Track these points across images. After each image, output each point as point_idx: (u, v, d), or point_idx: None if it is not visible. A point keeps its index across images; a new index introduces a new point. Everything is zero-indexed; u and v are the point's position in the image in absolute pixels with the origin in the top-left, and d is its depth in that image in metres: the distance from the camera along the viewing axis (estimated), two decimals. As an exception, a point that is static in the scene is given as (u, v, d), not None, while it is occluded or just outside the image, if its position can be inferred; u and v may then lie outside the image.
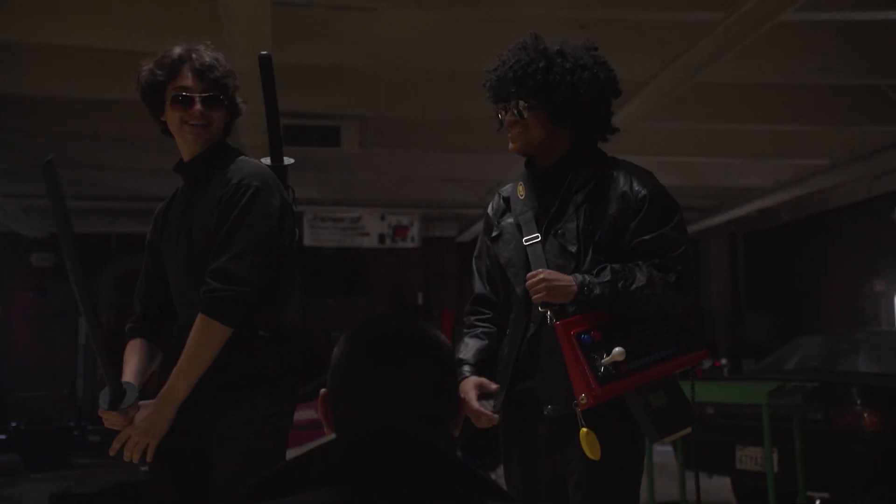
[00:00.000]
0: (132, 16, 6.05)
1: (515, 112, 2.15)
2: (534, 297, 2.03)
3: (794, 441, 4.52)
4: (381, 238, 12.29)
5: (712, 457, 5.24)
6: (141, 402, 2.07)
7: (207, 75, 2.10)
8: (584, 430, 1.97)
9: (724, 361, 11.51)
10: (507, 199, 2.30)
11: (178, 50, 2.13)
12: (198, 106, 2.09)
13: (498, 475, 6.63)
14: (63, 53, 6.61)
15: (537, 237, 2.15)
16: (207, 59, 2.12)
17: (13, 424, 10.11)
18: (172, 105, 2.11)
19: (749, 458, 5.06)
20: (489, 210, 2.35)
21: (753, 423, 4.81)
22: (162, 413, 2.02)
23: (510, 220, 2.24)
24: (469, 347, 2.20)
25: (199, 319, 1.99)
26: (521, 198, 2.23)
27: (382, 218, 12.26)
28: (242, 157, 2.16)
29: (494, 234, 2.28)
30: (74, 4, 6.01)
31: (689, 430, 2.05)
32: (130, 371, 2.16)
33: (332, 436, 1.16)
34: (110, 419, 2.07)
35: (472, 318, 2.28)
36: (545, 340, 2.08)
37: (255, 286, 2.00)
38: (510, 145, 2.23)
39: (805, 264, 12.24)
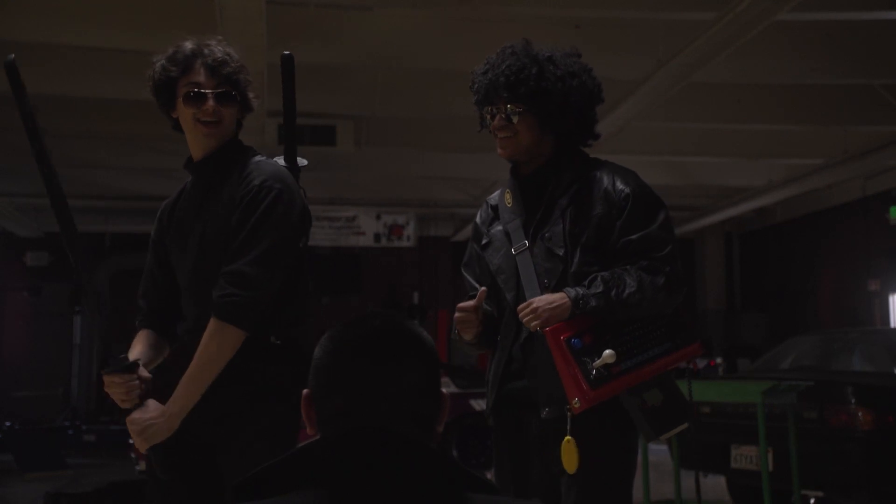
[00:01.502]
0: (126, 15, 6.04)
1: (504, 116, 2.16)
2: (530, 327, 2.03)
3: (789, 440, 4.53)
4: (377, 237, 12.29)
5: (707, 456, 5.25)
6: (150, 401, 1.98)
7: (220, 71, 2.05)
8: (567, 439, 1.98)
9: (719, 361, 11.53)
10: (494, 208, 2.31)
11: (189, 45, 2.08)
12: (210, 103, 2.04)
13: (493, 474, 6.62)
14: (56, 52, 6.59)
15: (525, 245, 2.16)
16: (220, 55, 2.07)
17: (7, 424, 10.08)
18: (185, 102, 2.06)
19: (744, 456, 5.07)
20: (477, 219, 2.36)
21: (748, 422, 4.81)
22: (169, 420, 1.94)
23: (499, 227, 2.25)
24: None
25: (213, 323, 1.93)
26: (509, 206, 2.24)
27: (378, 217, 12.26)
28: (258, 156, 2.11)
29: (484, 241, 2.29)
30: (69, 4, 5.99)
31: (685, 426, 2.05)
32: (137, 355, 2.08)
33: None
34: (111, 383, 1.97)
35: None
36: (537, 344, 2.09)
37: (271, 291, 1.96)
38: (499, 150, 2.23)
39: (799, 264, 12.27)
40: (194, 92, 2.04)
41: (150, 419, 1.95)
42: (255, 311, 1.94)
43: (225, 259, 1.98)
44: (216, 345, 1.93)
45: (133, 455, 7.45)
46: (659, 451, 6.44)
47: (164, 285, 2.18)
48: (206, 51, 2.06)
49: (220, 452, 1.99)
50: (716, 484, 6.01)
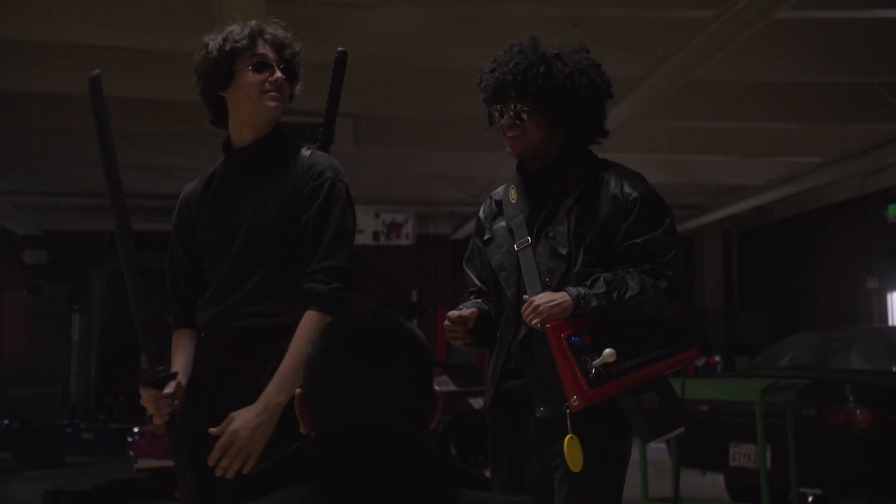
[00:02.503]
0: (126, 14, 6.04)
1: (513, 115, 2.15)
2: (530, 324, 2.03)
3: (787, 438, 4.53)
4: (376, 235, 12.29)
5: (706, 454, 5.26)
6: (240, 411, 1.86)
7: (283, 51, 2.04)
8: (570, 436, 1.98)
9: (717, 359, 11.55)
10: (498, 203, 2.30)
11: (250, 25, 2.06)
12: (279, 73, 2.01)
13: (490, 472, 6.62)
14: (54, 50, 6.59)
15: (528, 241, 2.15)
16: (282, 35, 2.06)
17: (6, 422, 10.09)
18: (255, 69, 2.00)
19: (742, 454, 5.07)
20: (480, 213, 2.35)
21: (747, 420, 4.82)
22: (271, 415, 1.83)
23: (502, 223, 2.25)
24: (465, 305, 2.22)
25: (316, 317, 1.88)
26: (513, 201, 2.24)
27: (377, 216, 12.26)
28: (303, 146, 2.08)
29: (486, 237, 2.28)
30: (68, 3, 5.99)
31: (681, 430, 2.06)
32: (180, 365, 2.01)
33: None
34: (148, 396, 1.92)
35: (471, 298, 2.30)
36: (536, 343, 2.09)
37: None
38: (508, 149, 2.22)
39: (798, 262, 12.28)
40: (264, 61, 2.01)
41: (253, 421, 1.83)
42: (351, 305, 1.95)
43: (307, 252, 1.95)
44: (314, 327, 1.89)
45: (132, 453, 7.46)
46: (657, 449, 6.44)
47: (196, 278, 2.10)
48: (269, 29, 2.06)
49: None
50: (714, 482, 6.01)
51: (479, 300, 2.25)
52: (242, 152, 2.06)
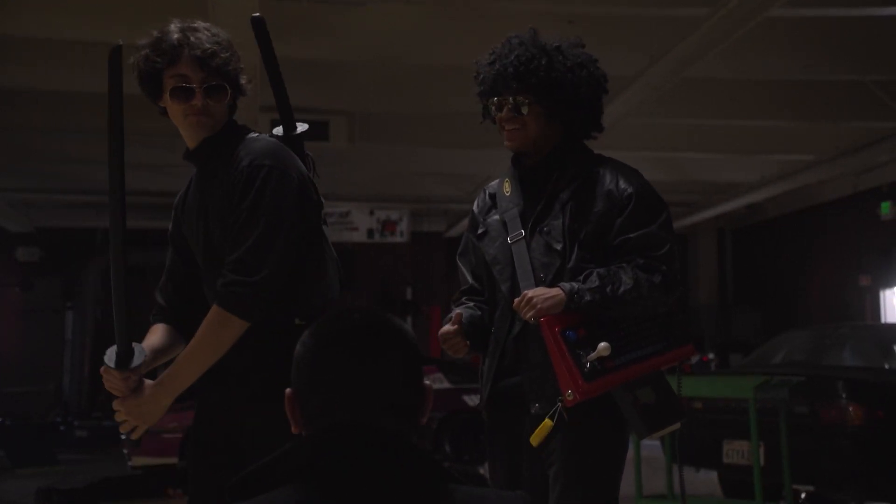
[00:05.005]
0: (117, 8, 6.01)
1: (512, 107, 2.13)
2: (524, 317, 2.02)
3: (781, 435, 4.55)
4: (370, 233, 12.28)
5: (699, 451, 5.27)
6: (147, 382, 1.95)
7: (209, 63, 1.94)
8: (547, 421, 1.98)
9: (711, 356, 11.57)
10: (492, 196, 2.28)
11: (175, 33, 1.96)
12: (198, 98, 1.95)
13: (486, 470, 6.64)
14: (47, 47, 6.56)
15: (521, 234, 2.14)
16: (208, 44, 1.95)
17: (-1, 420, 10.05)
18: (172, 96, 1.96)
19: (736, 451, 5.09)
20: (474, 207, 2.33)
21: (740, 417, 4.83)
22: (157, 400, 1.92)
23: (496, 216, 2.23)
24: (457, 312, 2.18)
25: (215, 312, 1.88)
26: (507, 194, 2.22)
27: (371, 213, 12.25)
28: (252, 134, 2.03)
29: (480, 231, 2.26)
30: (60, -2, 5.96)
31: (677, 425, 2.06)
32: (147, 349, 2.03)
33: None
34: (110, 379, 1.95)
35: (462, 298, 2.27)
36: (531, 338, 2.08)
37: (277, 276, 1.89)
38: (506, 143, 2.20)
39: (791, 259, 12.32)
40: (182, 86, 1.94)
41: (143, 403, 1.93)
42: (260, 300, 1.88)
43: (226, 247, 1.93)
44: (216, 333, 1.88)
45: (125, 451, 7.44)
46: (651, 446, 6.45)
47: (184, 280, 2.11)
48: (192, 39, 1.95)
49: (247, 444, 1.93)
50: (707, 479, 6.03)
51: (471, 304, 2.22)
52: (193, 155, 2.06)
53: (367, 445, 1.08)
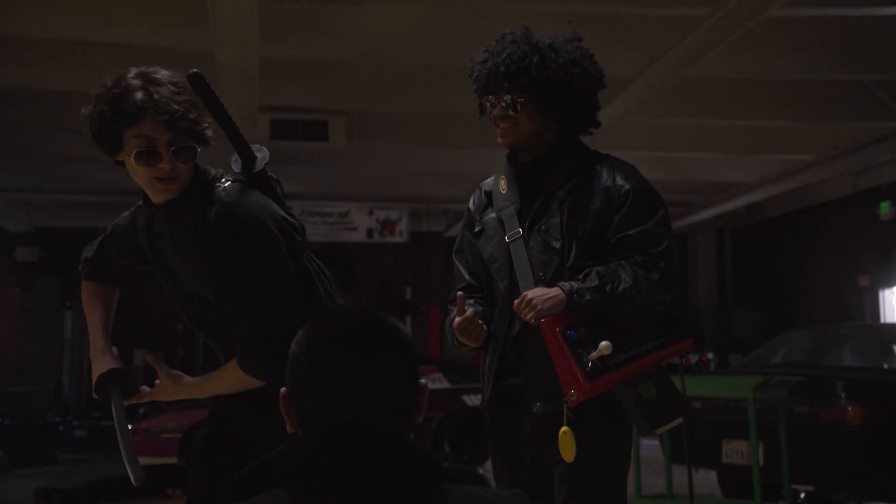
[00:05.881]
0: (117, 9, 6.01)
1: (506, 106, 2.12)
2: (525, 318, 2.01)
3: (780, 434, 4.55)
4: (370, 233, 12.28)
5: (699, 451, 5.27)
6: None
7: (177, 125, 1.78)
8: (564, 428, 1.96)
9: (710, 356, 11.57)
10: (488, 194, 2.27)
11: (137, 91, 1.78)
12: (166, 161, 1.80)
13: (486, 469, 6.64)
14: (47, 47, 6.56)
15: (519, 233, 2.13)
16: (175, 105, 1.78)
17: (-2, 420, 10.04)
18: (137, 160, 1.81)
19: (735, 451, 5.09)
20: (470, 205, 2.32)
21: (739, 417, 4.83)
22: (177, 391, 2.04)
23: (492, 214, 2.22)
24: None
25: (238, 369, 1.91)
26: (503, 192, 2.21)
27: (370, 213, 12.25)
28: (219, 185, 1.91)
29: (477, 229, 2.24)
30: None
31: (680, 420, 2.05)
32: (98, 323, 2.11)
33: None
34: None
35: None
36: (530, 338, 2.08)
37: (287, 340, 1.87)
38: (499, 140, 2.19)
39: (791, 259, 12.32)
40: (148, 150, 1.79)
41: (167, 388, 2.04)
42: (276, 364, 1.84)
43: (227, 310, 1.92)
44: (233, 381, 1.94)
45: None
46: (651, 446, 6.46)
47: (115, 262, 2.15)
48: (156, 97, 1.77)
49: (265, 449, 1.94)
50: (707, 479, 6.03)
51: (471, 300, 2.20)
52: (161, 208, 1.93)
53: (364, 445, 1.07)
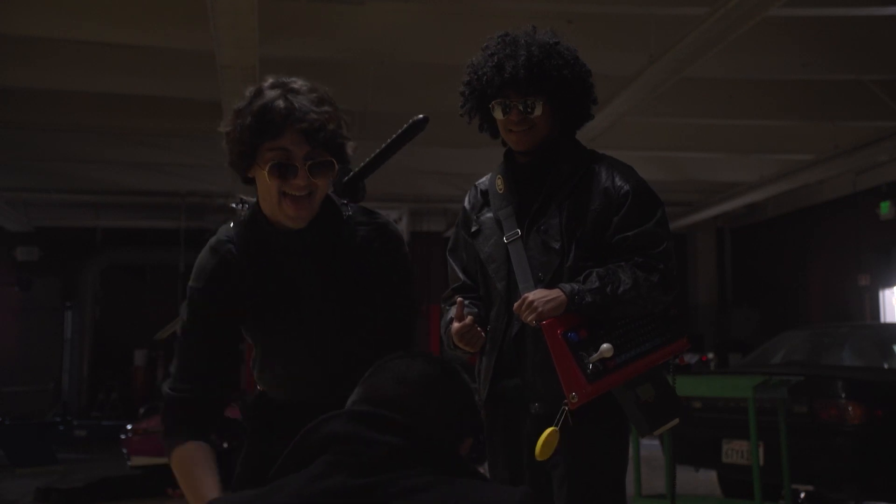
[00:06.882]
0: (118, 9, 6.01)
1: (522, 109, 2.09)
2: (525, 320, 2.01)
3: (780, 434, 4.55)
4: (369, 232, 12.27)
5: (699, 450, 5.27)
6: None
7: (316, 136, 1.68)
8: (552, 428, 1.92)
9: (710, 356, 11.57)
10: (484, 193, 2.26)
11: (280, 101, 1.67)
12: (302, 177, 1.68)
13: (485, 469, 6.62)
14: (46, 46, 6.55)
15: (517, 233, 2.12)
16: (316, 115, 1.68)
17: (-3, 419, 10.03)
18: (270, 173, 1.68)
19: (735, 451, 5.09)
20: (466, 203, 2.30)
21: (739, 417, 4.84)
22: None
23: (489, 214, 2.21)
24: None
25: None
26: (500, 192, 2.20)
27: (370, 212, 12.25)
28: (349, 211, 1.88)
29: (473, 229, 2.24)
30: (58, -3, 5.95)
31: (677, 421, 2.05)
32: (212, 489, 1.67)
33: None
34: None
35: (455, 296, 2.23)
36: (529, 338, 2.08)
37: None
38: (515, 144, 2.15)
39: (790, 259, 12.32)
40: (283, 164, 1.68)
41: None
42: None
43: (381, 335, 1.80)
44: None
45: (125, 451, 7.44)
46: (650, 446, 6.46)
47: (223, 364, 1.80)
48: (297, 106, 1.67)
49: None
50: (707, 478, 6.03)
51: (467, 301, 2.18)
52: (287, 235, 1.77)
53: (374, 431, 1.21)
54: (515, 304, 2.02)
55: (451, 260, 2.31)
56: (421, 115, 1.96)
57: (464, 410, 1.34)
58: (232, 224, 1.86)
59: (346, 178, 1.95)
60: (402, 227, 12.32)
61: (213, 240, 1.86)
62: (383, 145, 1.97)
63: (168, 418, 1.76)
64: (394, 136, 1.98)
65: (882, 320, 10.27)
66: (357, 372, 1.52)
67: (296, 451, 1.24)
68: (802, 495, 5.17)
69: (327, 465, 1.19)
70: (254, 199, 1.84)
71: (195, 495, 1.66)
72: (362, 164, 1.97)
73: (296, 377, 1.85)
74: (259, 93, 1.72)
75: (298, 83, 1.73)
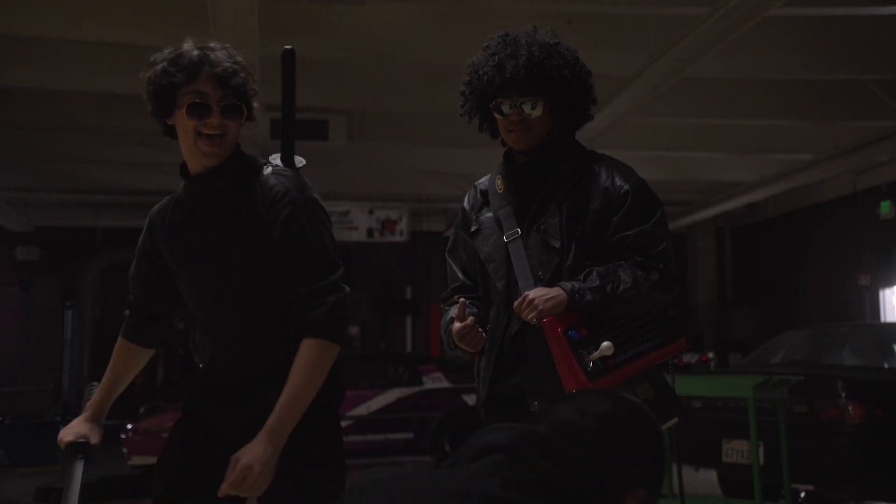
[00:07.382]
0: (118, 9, 6.01)
1: (524, 109, 2.09)
2: (525, 319, 2.01)
3: (780, 434, 4.55)
4: (370, 232, 12.27)
5: (699, 450, 5.27)
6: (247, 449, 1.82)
7: (228, 82, 1.91)
8: None
9: (710, 356, 11.57)
10: (484, 193, 2.26)
11: (195, 50, 1.91)
12: (215, 116, 1.90)
13: None
14: (46, 46, 6.56)
15: (517, 233, 2.12)
16: (228, 63, 1.92)
17: (-2, 419, 10.04)
18: (188, 113, 1.90)
19: (735, 451, 5.09)
20: (465, 203, 2.31)
21: (739, 417, 4.84)
22: (277, 447, 1.83)
23: (488, 214, 2.21)
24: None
25: (315, 345, 1.85)
26: (500, 192, 2.20)
27: (370, 212, 12.24)
28: (266, 165, 2.01)
29: (473, 228, 2.24)
30: (58, -3, 5.96)
31: (676, 420, 2.06)
32: (104, 385, 2.15)
33: None
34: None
35: (454, 296, 2.24)
36: (529, 337, 2.08)
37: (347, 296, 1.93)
38: (515, 144, 2.16)
39: (790, 258, 12.32)
40: (198, 102, 1.89)
41: (261, 455, 1.81)
42: (346, 322, 1.94)
43: (285, 280, 1.90)
44: (320, 364, 1.87)
45: (125, 450, 7.45)
46: (650, 446, 6.45)
47: (155, 293, 2.11)
48: (212, 57, 1.91)
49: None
50: (707, 478, 6.03)
51: (467, 301, 2.17)
52: (198, 180, 1.98)
53: (537, 450, 1.26)
54: (516, 303, 2.03)
55: (450, 260, 2.31)
56: (285, 47, 2.04)
57: (643, 460, 1.28)
58: None
59: (282, 141, 2.06)
60: (403, 227, 12.33)
61: None
62: (282, 96, 2.06)
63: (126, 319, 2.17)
64: (282, 82, 2.06)
65: (882, 320, 10.27)
66: (225, 322, 1.94)
67: (464, 449, 1.27)
68: (802, 495, 5.16)
69: (485, 468, 1.20)
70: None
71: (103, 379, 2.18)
72: (281, 122, 2.08)
73: (195, 323, 2.06)
74: (176, 47, 1.95)
75: (216, 45, 1.97)
